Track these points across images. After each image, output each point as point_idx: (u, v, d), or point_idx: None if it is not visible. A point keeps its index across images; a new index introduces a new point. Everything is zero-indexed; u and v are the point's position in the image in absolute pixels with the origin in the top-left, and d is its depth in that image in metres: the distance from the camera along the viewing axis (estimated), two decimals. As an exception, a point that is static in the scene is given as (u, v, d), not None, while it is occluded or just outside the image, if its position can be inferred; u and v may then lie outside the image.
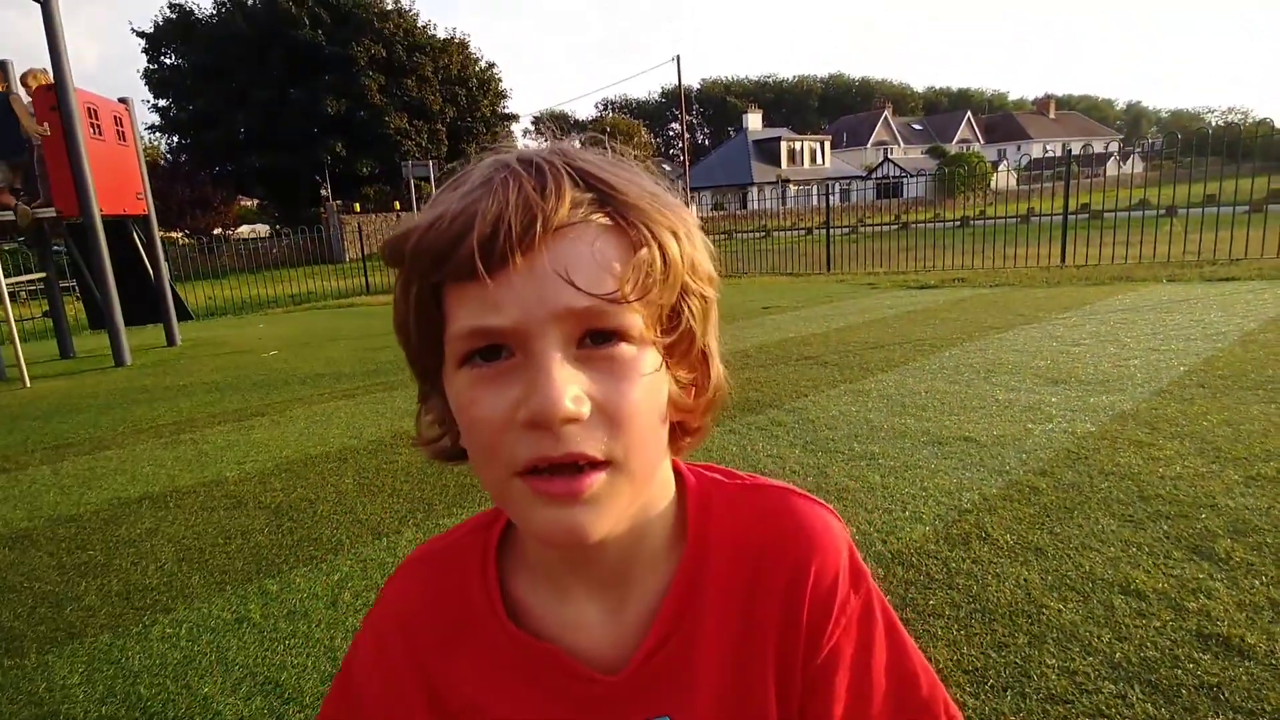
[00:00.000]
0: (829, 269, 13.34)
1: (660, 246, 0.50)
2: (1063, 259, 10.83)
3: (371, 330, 9.53)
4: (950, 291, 9.08)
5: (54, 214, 7.62)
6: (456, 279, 0.48)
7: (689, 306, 0.53)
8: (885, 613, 0.64)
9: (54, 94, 7.27)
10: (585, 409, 0.48)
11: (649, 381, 0.51)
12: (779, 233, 19.21)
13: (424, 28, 38.17)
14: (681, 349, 0.53)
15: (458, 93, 38.65)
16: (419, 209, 0.58)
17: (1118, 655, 1.81)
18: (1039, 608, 2.04)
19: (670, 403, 0.54)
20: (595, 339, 0.49)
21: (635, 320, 0.49)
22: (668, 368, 0.53)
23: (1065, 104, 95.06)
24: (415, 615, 0.65)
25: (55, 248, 9.53)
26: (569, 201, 0.48)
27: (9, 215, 7.37)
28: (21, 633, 2.35)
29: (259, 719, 1.83)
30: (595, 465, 0.49)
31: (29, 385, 6.89)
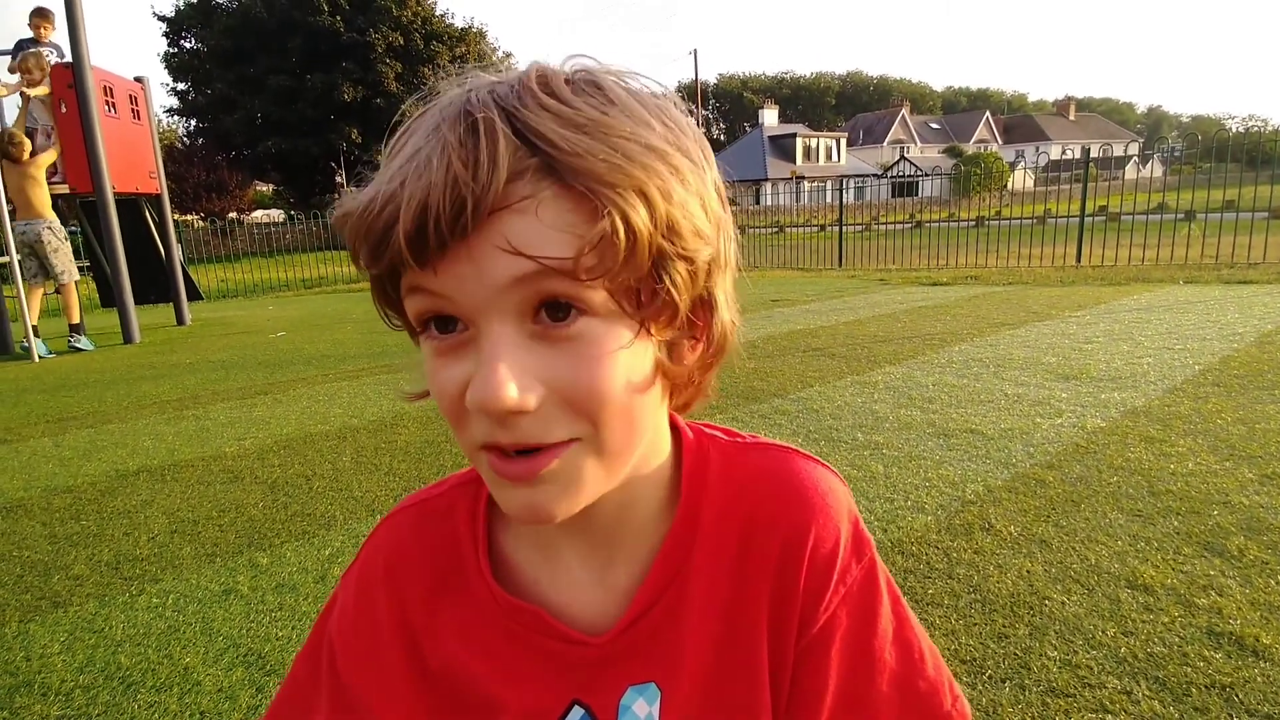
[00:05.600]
0: (841, 264, 13.23)
1: (623, 216, 0.41)
2: (1078, 259, 10.70)
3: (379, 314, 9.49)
4: (962, 288, 8.98)
5: (66, 190, 7.64)
6: (395, 267, 0.45)
7: (669, 274, 0.44)
8: (889, 586, 0.60)
9: (70, 71, 7.29)
10: (533, 399, 0.43)
11: (619, 358, 0.44)
12: (792, 228, 19.12)
13: (442, 16, 38.17)
14: (665, 317, 0.46)
15: (474, 82, 38.65)
16: None
17: (1123, 650, 1.75)
18: (1041, 599, 1.98)
19: (657, 367, 0.48)
20: (551, 312, 0.43)
21: (596, 294, 0.43)
22: (649, 334, 0.46)
23: (1085, 106, 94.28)
24: (403, 563, 0.61)
25: (70, 229, 9.57)
26: (505, 173, 0.40)
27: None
28: (5, 601, 2.33)
29: (239, 690, 1.80)
30: (557, 443, 0.45)
31: (37, 360, 6.92)
